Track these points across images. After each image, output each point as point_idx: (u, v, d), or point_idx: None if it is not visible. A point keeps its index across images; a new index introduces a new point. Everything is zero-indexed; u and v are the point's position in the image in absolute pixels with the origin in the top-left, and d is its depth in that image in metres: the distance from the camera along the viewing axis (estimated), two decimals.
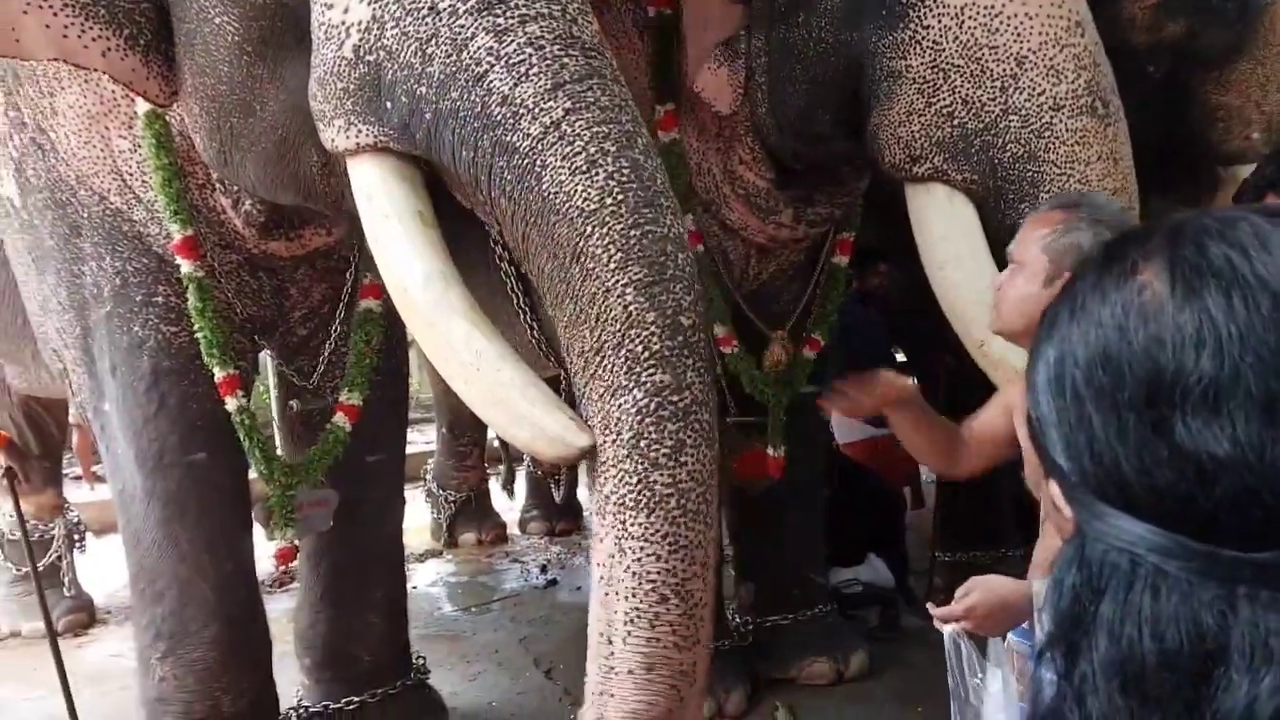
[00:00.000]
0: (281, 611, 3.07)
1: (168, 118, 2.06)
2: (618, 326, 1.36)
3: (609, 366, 1.37)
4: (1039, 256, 1.42)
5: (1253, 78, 2.61)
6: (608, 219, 1.36)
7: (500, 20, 1.42)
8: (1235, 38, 2.58)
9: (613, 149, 1.39)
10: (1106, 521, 0.52)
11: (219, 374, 2.17)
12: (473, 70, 1.41)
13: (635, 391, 1.35)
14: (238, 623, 2.28)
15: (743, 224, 2.63)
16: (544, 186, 1.38)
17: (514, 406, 1.46)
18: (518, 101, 1.39)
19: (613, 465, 1.38)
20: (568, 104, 1.39)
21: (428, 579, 4.09)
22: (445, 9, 1.43)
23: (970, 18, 1.99)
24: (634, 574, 1.39)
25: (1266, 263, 0.51)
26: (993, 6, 1.98)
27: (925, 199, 2.09)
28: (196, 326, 2.16)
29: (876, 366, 3.85)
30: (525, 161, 1.39)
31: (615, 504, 1.38)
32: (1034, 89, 1.96)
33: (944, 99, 2.02)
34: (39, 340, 2.42)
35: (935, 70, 2.02)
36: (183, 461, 2.23)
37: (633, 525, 1.38)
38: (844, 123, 2.24)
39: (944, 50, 2.01)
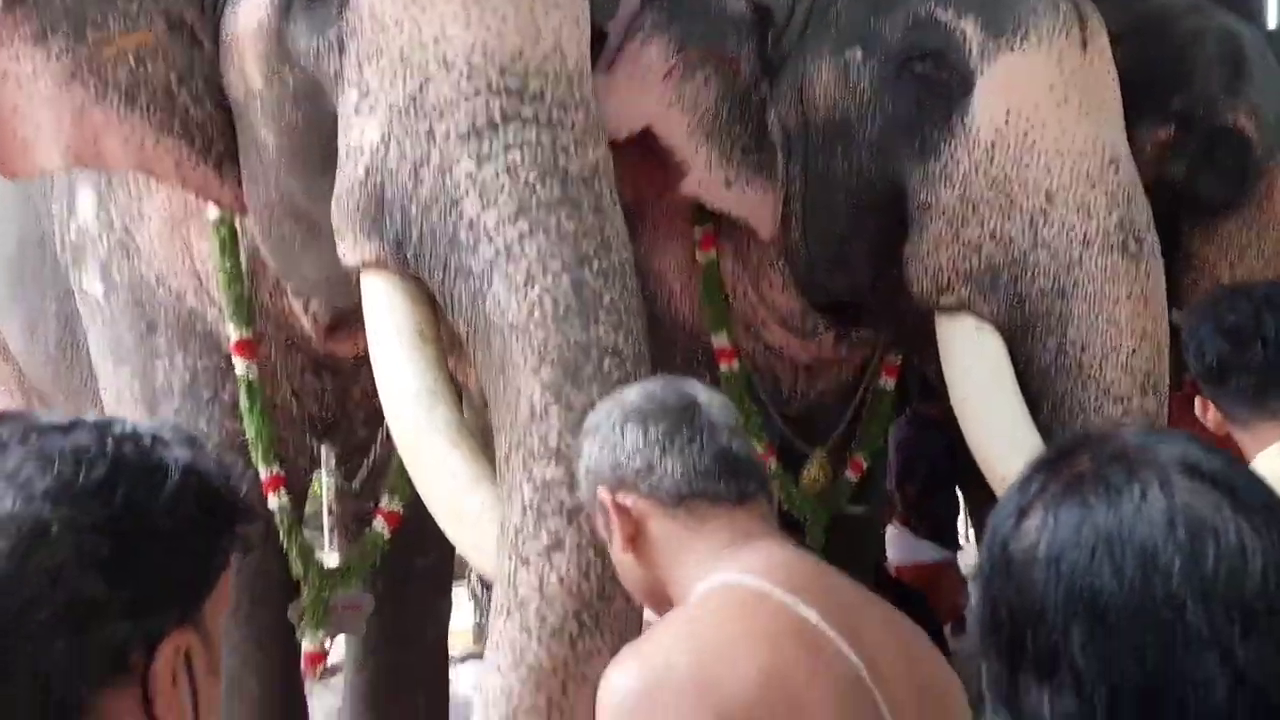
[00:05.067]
0: (324, 710, 3.06)
1: (237, 224, 2.18)
2: (522, 427, 1.32)
3: (512, 469, 1.32)
4: None
5: (1236, 237, 2.57)
6: (532, 329, 1.36)
7: (485, 148, 1.46)
8: (1230, 193, 2.55)
9: (555, 267, 1.39)
10: None
11: (264, 473, 2.24)
12: (451, 194, 1.47)
13: (525, 487, 1.30)
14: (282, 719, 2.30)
15: (783, 344, 2.67)
16: (486, 306, 1.40)
17: (481, 533, 1.44)
18: (480, 226, 1.43)
19: (496, 570, 1.31)
20: (525, 228, 1.41)
21: (469, 682, 4.03)
22: (440, 134, 1.49)
23: (1000, 152, 2.04)
24: (481, 691, 1.29)
25: (1133, 538, 0.54)
26: (1023, 143, 2.03)
27: (952, 330, 2.12)
28: (245, 425, 2.24)
29: (937, 492, 3.87)
30: (476, 285, 1.42)
31: (494, 612, 1.31)
32: (1064, 224, 2.00)
33: (973, 231, 2.06)
34: None
35: (965, 203, 2.07)
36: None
37: (496, 633, 1.30)
38: (877, 251, 2.29)
39: (973, 183, 2.06)
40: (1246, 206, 2.56)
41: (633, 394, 1.14)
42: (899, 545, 3.72)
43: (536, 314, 1.37)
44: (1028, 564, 0.56)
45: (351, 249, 1.60)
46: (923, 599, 3.50)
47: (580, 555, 1.27)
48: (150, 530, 0.63)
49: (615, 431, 1.10)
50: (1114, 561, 0.53)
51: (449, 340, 1.59)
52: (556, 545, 1.27)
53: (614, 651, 1.22)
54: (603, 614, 1.27)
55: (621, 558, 1.12)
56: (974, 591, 0.61)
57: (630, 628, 1.30)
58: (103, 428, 0.66)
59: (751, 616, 0.98)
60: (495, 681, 1.28)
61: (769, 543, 1.06)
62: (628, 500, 1.09)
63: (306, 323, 2.26)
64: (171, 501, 0.64)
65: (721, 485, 1.06)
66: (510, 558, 1.30)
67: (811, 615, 0.98)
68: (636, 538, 1.09)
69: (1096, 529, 0.54)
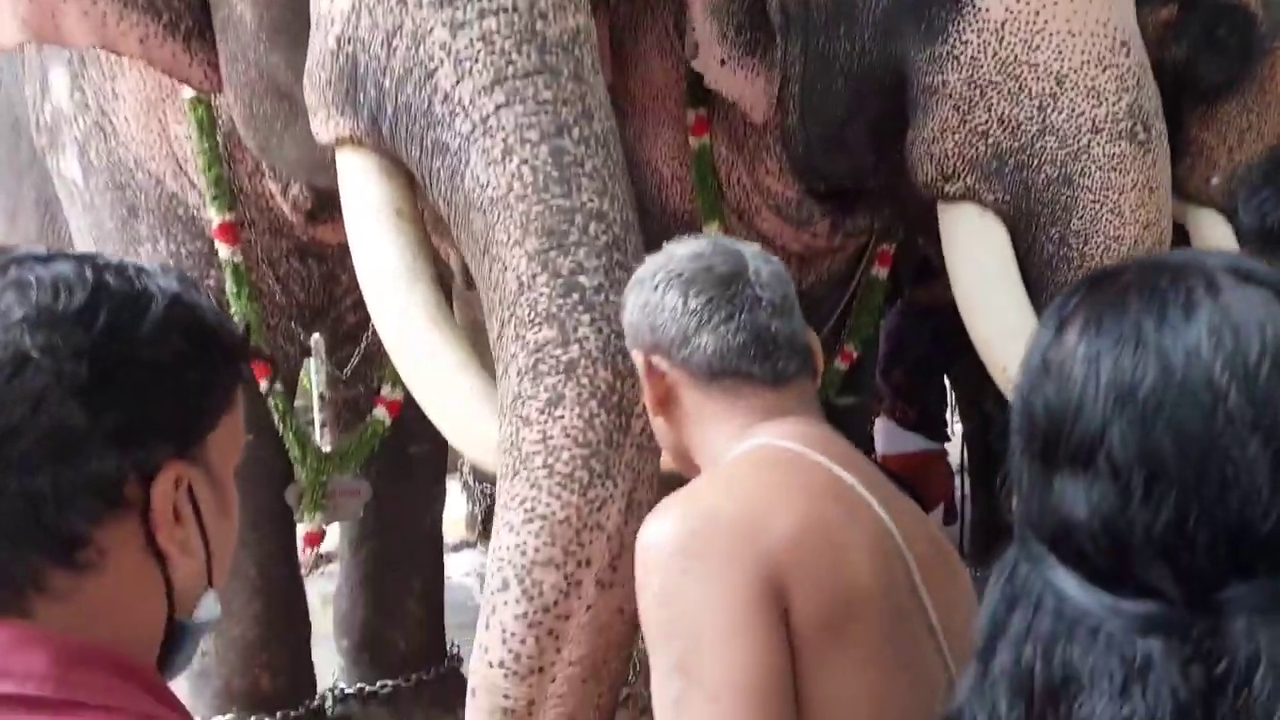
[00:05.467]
0: (319, 595, 3.12)
1: (214, 103, 2.11)
2: (510, 300, 1.26)
3: (505, 344, 1.27)
4: None
5: (1236, 121, 2.51)
6: (512, 202, 1.30)
7: (459, 14, 1.37)
8: (1231, 74, 2.48)
9: (534, 137, 1.32)
10: (1030, 547, 0.57)
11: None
12: (426, 66, 1.39)
13: (520, 354, 1.24)
14: (279, 600, 2.34)
15: (777, 233, 2.62)
16: (465, 184, 1.34)
17: (462, 415, 1.41)
18: (455, 99, 1.36)
19: (499, 441, 1.25)
20: (501, 99, 1.34)
21: (462, 569, 4.14)
22: (411, 1, 1.40)
23: (1011, 33, 1.96)
24: (492, 555, 1.23)
25: (1177, 334, 0.53)
26: (1034, 23, 1.95)
27: (955, 218, 2.08)
28: (232, 309, 2.20)
29: (926, 380, 3.88)
30: (454, 161, 1.36)
31: (500, 478, 1.26)
32: (1073, 109, 1.94)
33: (980, 116, 2.00)
34: None
35: (972, 86, 2.00)
36: None
37: (504, 495, 1.24)
38: (879, 135, 2.23)
39: (982, 66, 1.98)
40: (1247, 89, 2.49)
41: (683, 251, 1.06)
42: (887, 436, 3.76)
43: (516, 186, 1.30)
44: (1066, 364, 0.55)
45: (325, 125, 1.53)
46: (910, 488, 3.56)
47: (582, 407, 1.21)
48: (133, 358, 0.61)
49: (656, 292, 1.04)
50: (1157, 355, 0.53)
51: (430, 219, 1.55)
52: (556, 400, 1.22)
53: (626, 500, 1.22)
54: (612, 462, 1.22)
55: (653, 419, 1.09)
56: (1011, 407, 0.60)
57: (643, 479, 1.25)
58: (84, 258, 0.64)
59: (790, 472, 0.97)
60: (508, 540, 1.23)
61: (804, 419, 1.03)
62: (662, 365, 1.04)
63: (287, 207, 2.20)
64: (156, 330, 0.62)
65: (755, 367, 1.02)
66: (511, 422, 1.25)
67: (847, 477, 0.97)
68: (668, 403, 1.05)
69: (1139, 327, 0.54)
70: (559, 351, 1.23)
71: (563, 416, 1.21)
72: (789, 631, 0.87)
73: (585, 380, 1.23)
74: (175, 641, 0.64)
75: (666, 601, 0.89)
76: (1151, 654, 0.51)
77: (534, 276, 1.26)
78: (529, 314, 1.26)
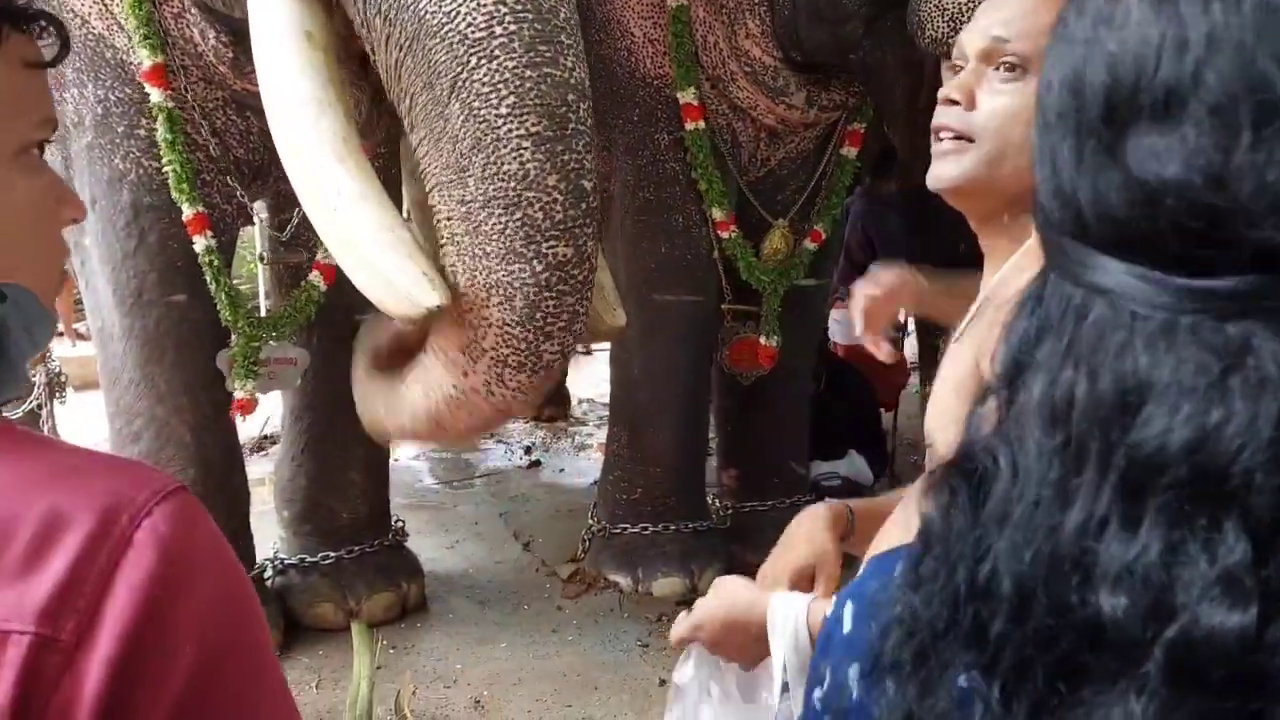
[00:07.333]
0: (262, 473, 3.05)
1: None
2: (513, 184, 1.25)
3: (502, 229, 1.27)
4: None
5: None
6: (496, 52, 1.22)
7: None
8: None
9: None
10: (1068, 256, 0.47)
11: (187, 211, 2.10)
12: None
13: (535, 263, 1.29)
14: (216, 467, 2.25)
15: (751, 103, 2.53)
16: (421, 4, 1.24)
17: (363, 252, 1.34)
18: None
19: (499, 327, 1.32)
20: None
21: (411, 452, 4.08)
22: None
23: None
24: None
25: None
26: None
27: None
28: (165, 160, 2.07)
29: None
30: None
31: (492, 359, 1.34)
32: None
33: None
34: None
35: None
36: (162, 301, 2.17)
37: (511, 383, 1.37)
38: (868, 3, 2.13)
39: None
40: None
41: None
42: (844, 327, 3.71)
43: (499, 33, 1.21)
44: (1133, 11, 0.45)
45: None
46: (863, 379, 3.54)
47: (582, 318, 1.36)
48: None
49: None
50: None
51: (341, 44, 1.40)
52: (574, 318, 1.35)
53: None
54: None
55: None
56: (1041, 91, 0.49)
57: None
58: None
59: None
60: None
61: None
62: None
63: (211, 55, 2.06)
64: None
65: None
66: (525, 327, 1.32)
67: None
68: None
69: None
70: (577, 272, 1.32)
71: (579, 330, 1.38)
72: None
73: (587, 296, 1.36)
74: None
75: None
76: (1250, 337, 0.42)
77: (543, 172, 1.25)
78: (544, 220, 1.27)
